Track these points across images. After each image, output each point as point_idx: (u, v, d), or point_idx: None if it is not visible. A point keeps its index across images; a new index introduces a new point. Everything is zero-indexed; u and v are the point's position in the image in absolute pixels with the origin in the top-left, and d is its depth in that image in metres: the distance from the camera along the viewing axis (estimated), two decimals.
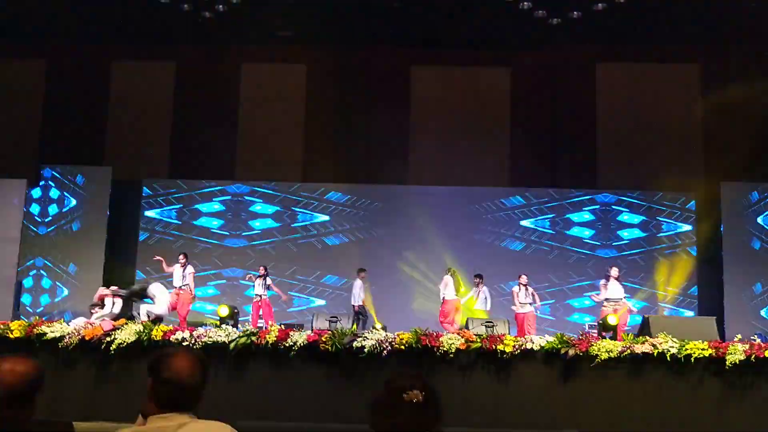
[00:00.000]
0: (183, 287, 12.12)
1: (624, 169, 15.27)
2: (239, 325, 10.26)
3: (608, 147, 15.53)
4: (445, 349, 8.23)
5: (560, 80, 15.60)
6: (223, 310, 10.46)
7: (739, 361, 8.08)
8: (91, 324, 9.02)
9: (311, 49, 15.56)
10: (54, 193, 14.93)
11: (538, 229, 15.13)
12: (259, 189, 15.44)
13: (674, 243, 14.95)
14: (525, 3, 13.78)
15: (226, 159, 15.64)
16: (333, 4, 14.14)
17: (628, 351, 8.19)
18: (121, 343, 8.48)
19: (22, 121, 15.76)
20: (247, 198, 15.41)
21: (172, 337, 8.57)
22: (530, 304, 12.28)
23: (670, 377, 8.19)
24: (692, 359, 8.10)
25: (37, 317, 9.33)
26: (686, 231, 14.98)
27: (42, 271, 14.65)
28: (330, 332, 8.53)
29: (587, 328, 12.29)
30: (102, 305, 10.38)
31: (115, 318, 9.48)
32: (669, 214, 15.05)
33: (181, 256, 12.52)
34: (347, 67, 15.80)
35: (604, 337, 9.16)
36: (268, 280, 12.83)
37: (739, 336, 8.85)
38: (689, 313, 14.39)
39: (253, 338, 8.43)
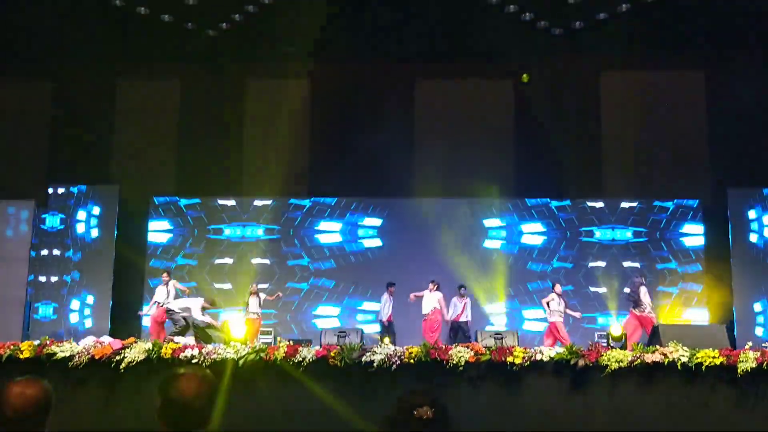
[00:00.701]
0: (165, 305, 12.71)
1: (630, 179, 15.26)
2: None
3: (613, 155, 15.54)
4: (454, 362, 8.20)
5: (564, 90, 15.62)
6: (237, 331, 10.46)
7: (751, 368, 8.01)
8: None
9: (315, 64, 15.65)
10: (62, 212, 14.99)
11: (545, 239, 15.14)
12: (263, 203, 15.50)
13: (682, 250, 14.92)
14: (528, 14, 13.84)
15: (232, 175, 15.70)
16: (336, 19, 14.21)
17: (639, 360, 8.14)
18: (131, 362, 8.48)
19: (30, 141, 15.87)
20: (254, 213, 15.45)
21: (182, 355, 8.56)
22: (561, 313, 12.43)
23: (682, 386, 8.13)
24: (703, 367, 8.05)
25: (47, 337, 9.34)
26: (694, 238, 14.95)
27: (51, 291, 14.70)
28: (339, 347, 8.51)
29: (597, 338, 12.28)
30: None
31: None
32: (676, 220, 15.02)
33: (164, 275, 13.18)
34: (351, 81, 15.86)
35: (613, 347, 9.11)
36: (262, 296, 13.18)
37: (750, 344, 8.81)
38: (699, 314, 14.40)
39: (262, 354, 8.42)
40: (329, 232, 15.42)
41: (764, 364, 8.04)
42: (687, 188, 15.14)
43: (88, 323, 14.45)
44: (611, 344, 9.85)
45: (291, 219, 15.45)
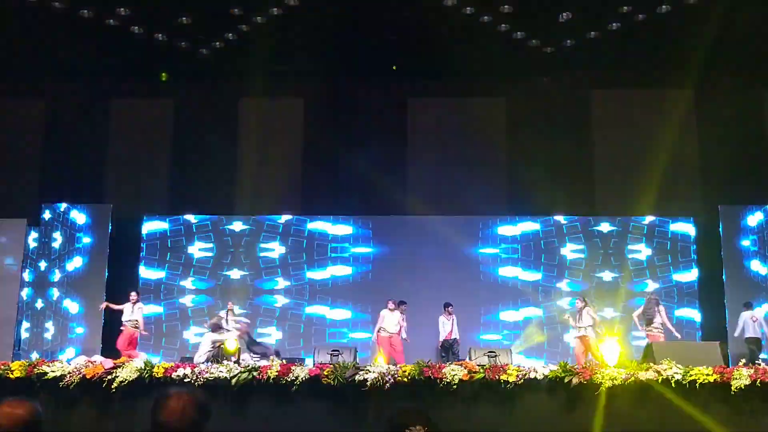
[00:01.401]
0: (127, 322, 13.19)
1: (621, 195, 15.30)
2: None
3: (605, 173, 15.60)
4: (447, 380, 8.17)
5: (555, 108, 15.69)
6: (230, 345, 10.44)
7: (745, 386, 8.01)
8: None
9: (308, 82, 15.70)
10: (54, 231, 14.92)
11: (537, 256, 15.15)
12: (258, 222, 15.46)
13: (676, 265, 14.94)
14: (519, 33, 13.94)
15: (225, 194, 15.67)
16: (329, 38, 14.29)
17: (633, 378, 8.13)
18: (122, 381, 8.42)
19: (22, 159, 15.83)
20: (246, 232, 15.40)
21: (174, 374, 8.51)
22: (585, 327, 12.43)
23: (675, 403, 8.12)
24: (697, 385, 8.04)
25: (38, 357, 9.28)
26: (686, 255, 14.98)
27: (43, 310, 14.60)
28: (332, 366, 8.48)
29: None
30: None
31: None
32: (668, 238, 15.06)
33: (133, 294, 13.42)
34: (344, 99, 15.92)
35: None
36: (237, 314, 13.37)
37: (743, 360, 8.82)
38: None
39: (255, 373, 8.37)
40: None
41: (757, 381, 8.04)
42: (678, 206, 15.18)
43: (80, 343, 14.35)
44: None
45: (287, 234, 15.38)
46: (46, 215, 14.97)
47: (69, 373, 8.56)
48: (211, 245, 15.36)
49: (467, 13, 13.26)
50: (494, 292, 15.00)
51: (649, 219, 15.12)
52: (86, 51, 14.40)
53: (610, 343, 9.54)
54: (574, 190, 15.34)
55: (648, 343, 10.15)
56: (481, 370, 8.28)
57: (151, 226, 15.44)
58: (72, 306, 14.65)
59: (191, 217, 15.45)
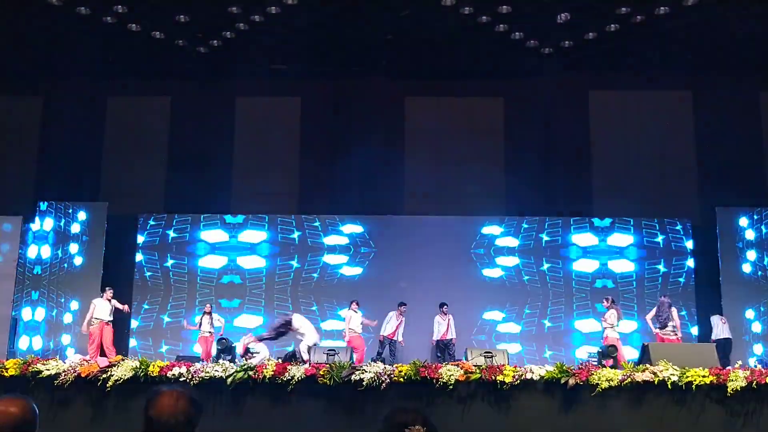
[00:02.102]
0: (109, 322, 12.96)
1: (619, 196, 15.30)
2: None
3: (602, 174, 15.60)
4: (444, 380, 8.16)
5: (553, 109, 15.69)
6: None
7: (741, 387, 8.02)
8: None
9: (305, 81, 15.67)
10: (50, 229, 14.87)
11: (534, 256, 15.14)
12: (254, 221, 15.42)
13: (671, 268, 14.94)
14: (517, 33, 13.94)
15: (221, 192, 15.64)
16: (326, 37, 14.26)
17: (629, 379, 8.12)
18: (117, 380, 8.40)
19: (19, 157, 15.78)
20: (243, 231, 15.36)
21: (169, 373, 8.49)
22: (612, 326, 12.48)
23: (672, 405, 8.11)
24: (693, 386, 8.04)
25: (33, 355, 9.23)
26: (683, 256, 14.97)
27: (38, 308, 14.55)
28: (328, 365, 8.46)
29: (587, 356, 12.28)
30: (250, 354, 10.30)
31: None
32: (665, 239, 15.05)
33: (109, 291, 13.11)
34: (341, 98, 15.89)
35: (605, 366, 9.10)
36: (215, 316, 13.53)
37: (740, 362, 8.82)
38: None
39: (251, 373, 8.35)
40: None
41: (753, 383, 8.04)
42: (675, 207, 15.18)
43: (75, 341, 14.30)
44: (603, 363, 9.84)
45: (284, 234, 15.36)
46: (42, 212, 14.91)
47: (64, 371, 8.54)
48: (206, 244, 15.31)
49: (465, 13, 13.24)
50: (494, 292, 14.98)
51: (645, 220, 15.10)
52: (83, 49, 14.35)
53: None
54: (570, 190, 15.34)
55: (644, 345, 10.13)
56: (478, 371, 8.26)
57: (147, 224, 15.39)
58: (67, 304, 14.59)
59: (187, 216, 15.39)
